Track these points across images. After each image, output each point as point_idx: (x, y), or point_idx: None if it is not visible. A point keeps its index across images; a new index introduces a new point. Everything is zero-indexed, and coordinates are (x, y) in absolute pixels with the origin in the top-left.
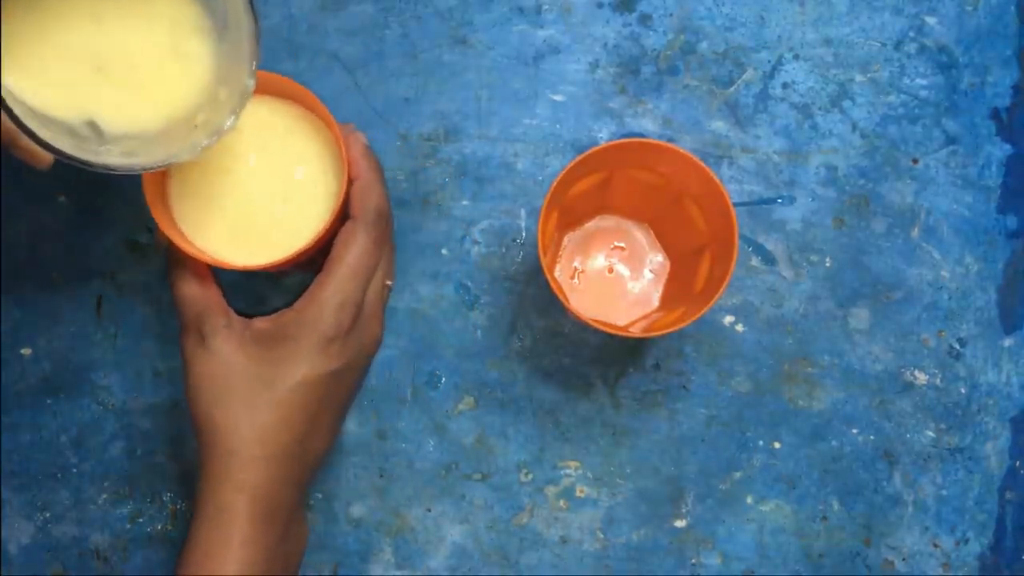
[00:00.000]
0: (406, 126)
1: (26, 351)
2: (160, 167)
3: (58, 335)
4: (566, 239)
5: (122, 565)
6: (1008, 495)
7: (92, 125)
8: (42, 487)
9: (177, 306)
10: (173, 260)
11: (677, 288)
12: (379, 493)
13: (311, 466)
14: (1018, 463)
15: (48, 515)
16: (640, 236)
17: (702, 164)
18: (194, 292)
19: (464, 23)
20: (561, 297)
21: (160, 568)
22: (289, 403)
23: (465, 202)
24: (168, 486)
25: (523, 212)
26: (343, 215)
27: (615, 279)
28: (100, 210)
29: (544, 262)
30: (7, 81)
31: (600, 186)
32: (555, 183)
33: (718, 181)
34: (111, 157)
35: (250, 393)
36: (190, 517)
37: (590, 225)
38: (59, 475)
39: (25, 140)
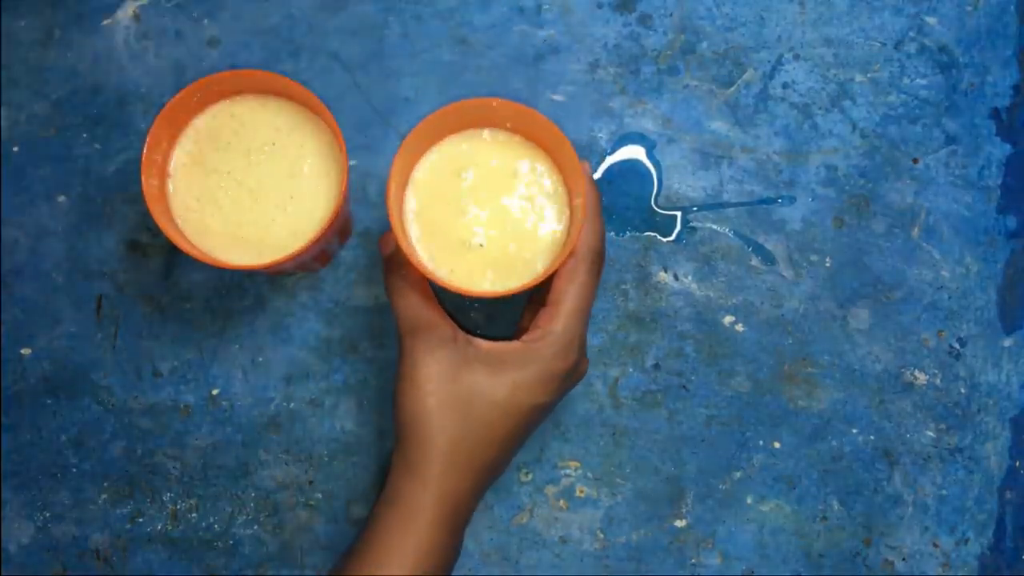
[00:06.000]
0: (406, 126)
1: (26, 351)
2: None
3: (58, 335)
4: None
5: (122, 565)
6: (1008, 495)
7: None
8: (42, 487)
9: (401, 310)
10: (395, 266)
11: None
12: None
13: (489, 485)
14: (1018, 463)
15: (48, 515)
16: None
17: (535, 111)
18: (419, 300)
19: (464, 23)
20: (425, 272)
21: (160, 568)
22: (500, 424)
23: None
24: (168, 486)
25: None
26: (341, 215)
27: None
28: (100, 210)
29: (399, 231)
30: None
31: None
32: (398, 155)
33: (548, 120)
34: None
35: (468, 406)
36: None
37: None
38: (59, 475)
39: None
